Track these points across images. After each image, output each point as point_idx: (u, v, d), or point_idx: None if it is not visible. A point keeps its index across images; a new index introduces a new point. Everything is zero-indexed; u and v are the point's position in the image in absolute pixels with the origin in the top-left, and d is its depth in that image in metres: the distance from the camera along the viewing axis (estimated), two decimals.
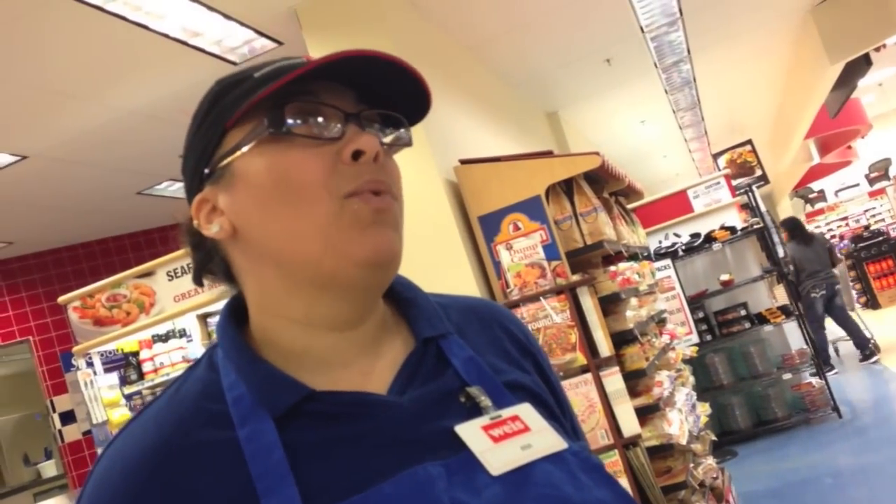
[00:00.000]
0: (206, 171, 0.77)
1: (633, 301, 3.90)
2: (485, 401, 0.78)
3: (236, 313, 0.82)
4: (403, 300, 0.86)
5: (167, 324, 4.01)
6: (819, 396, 6.29)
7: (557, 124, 7.28)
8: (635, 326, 3.60)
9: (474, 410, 0.77)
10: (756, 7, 6.59)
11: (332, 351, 0.78)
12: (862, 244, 12.34)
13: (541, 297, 3.39)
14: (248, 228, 0.76)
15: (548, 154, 3.80)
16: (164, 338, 4.13)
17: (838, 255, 8.98)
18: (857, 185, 19.96)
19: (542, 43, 5.82)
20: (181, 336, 4.11)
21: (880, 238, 12.33)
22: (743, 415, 6.38)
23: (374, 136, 0.76)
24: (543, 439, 0.78)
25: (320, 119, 0.74)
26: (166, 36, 4.13)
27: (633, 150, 10.47)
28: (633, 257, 4.46)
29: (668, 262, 6.20)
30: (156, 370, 4.03)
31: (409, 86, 0.78)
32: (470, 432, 0.75)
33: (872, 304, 12.11)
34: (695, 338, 6.16)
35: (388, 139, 0.79)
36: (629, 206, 5.13)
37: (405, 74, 0.76)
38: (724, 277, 6.47)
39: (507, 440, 0.76)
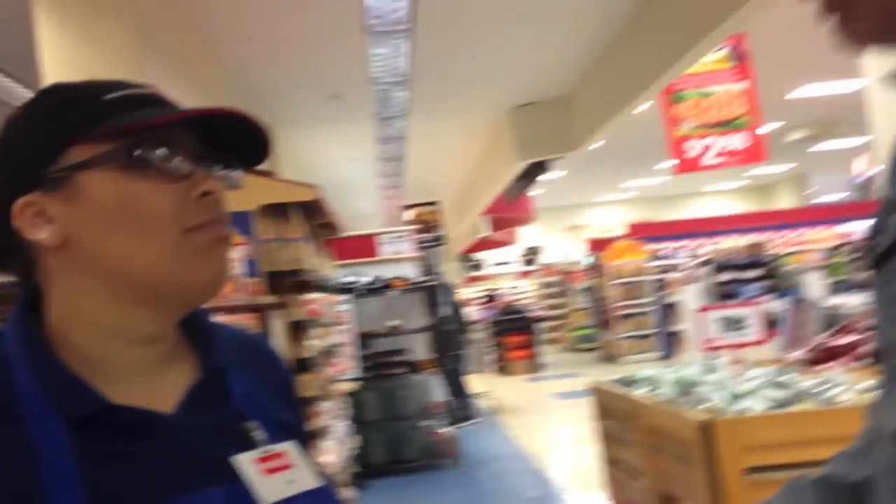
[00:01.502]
0: (39, 177, 0.78)
1: (316, 331, 4.07)
2: (259, 435, 0.87)
3: (30, 307, 0.82)
4: (197, 328, 0.91)
5: None
6: (448, 446, 6.97)
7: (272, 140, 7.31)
8: (314, 355, 3.76)
9: (249, 443, 0.85)
10: (474, 93, 7.34)
11: (128, 363, 0.82)
12: (505, 317, 13.93)
13: (231, 312, 3.39)
14: (84, 242, 0.78)
15: (270, 174, 3.86)
16: None
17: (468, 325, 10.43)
18: (510, 263, 22.56)
19: (277, 61, 5.88)
20: None
21: (520, 315, 14.03)
22: (383, 451, 6.82)
23: (219, 177, 0.83)
24: (305, 476, 0.88)
25: (176, 157, 0.80)
26: None
27: (334, 181, 10.80)
28: (323, 288, 4.65)
29: (348, 297, 6.50)
30: None
31: (252, 136, 0.86)
32: (245, 463, 0.83)
33: (504, 371, 13.68)
34: (357, 373, 6.51)
35: (221, 176, 0.86)
36: (325, 238, 5.34)
37: (255, 130, 0.84)
38: (393, 323, 6.95)
39: (276, 474, 0.85)
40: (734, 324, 3.40)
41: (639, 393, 3.39)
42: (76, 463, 0.72)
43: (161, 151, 0.78)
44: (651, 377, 3.54)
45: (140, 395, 0.81)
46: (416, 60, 5.57)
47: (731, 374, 3.15)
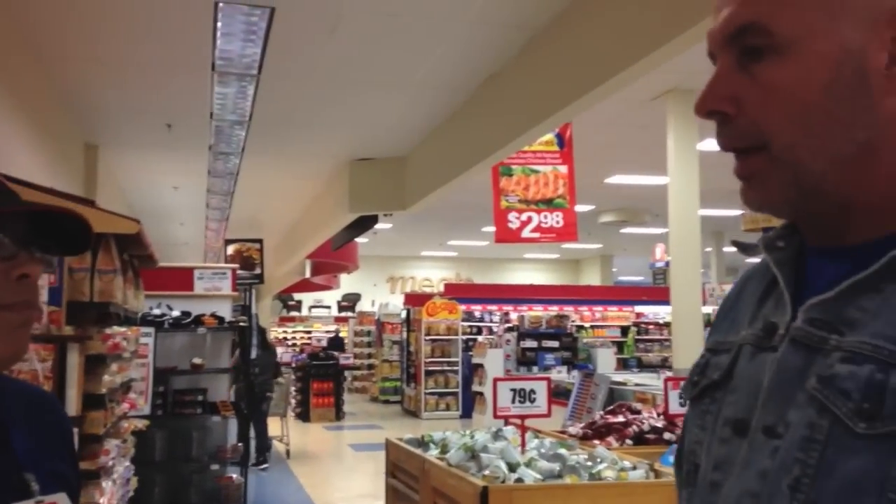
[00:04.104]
0: None
1: (114, 366, 3.94)
2: (34, 486, 0.95)
3: None
4: None
5: None
6: (235, 492, 6.80)
7: (94, 158, 7.03)
8: (107, 392, 3.64)
9: (25, 492, 0.94)
10: (313, 142, 7.45)
11: None
12: (316, 362, 13.83)
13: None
14: None
15: (89, 203, 3.74)
16: None
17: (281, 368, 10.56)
18: (329, 307, 22.51)
19: (116, 83, 5.72)
20: None
21: (331, 361, 13.99)
22: (164, 494, 6.54)
23: (39, 261, 0.92)
24: None
25: (4, 238, 0.88)
26: None
27: (155, 207, 10.46)
28: (129, 321, 4.50)
29: (151, 330, 6.27)
30: None
31: (77, 228, 0.95)
32: None
33: (304, 416, 13.50)
34: (148, 410, 6.24)
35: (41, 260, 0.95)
36: (138, 269, 5.17)
37: (82, 226, 0.94)
38: (197, 361, 6.75)
39: None
40: (524, 395, 3.68)
41: (429, 454, 3.58)
42: None
43: None
44: (443, 439, 3.75)
45: None
46: (259, 104, 5.62)
47: (514, 443, 3.42)
